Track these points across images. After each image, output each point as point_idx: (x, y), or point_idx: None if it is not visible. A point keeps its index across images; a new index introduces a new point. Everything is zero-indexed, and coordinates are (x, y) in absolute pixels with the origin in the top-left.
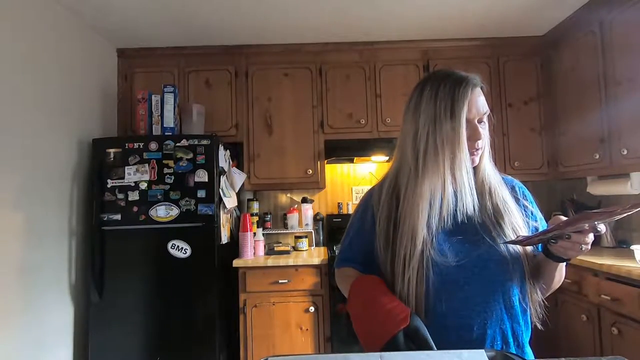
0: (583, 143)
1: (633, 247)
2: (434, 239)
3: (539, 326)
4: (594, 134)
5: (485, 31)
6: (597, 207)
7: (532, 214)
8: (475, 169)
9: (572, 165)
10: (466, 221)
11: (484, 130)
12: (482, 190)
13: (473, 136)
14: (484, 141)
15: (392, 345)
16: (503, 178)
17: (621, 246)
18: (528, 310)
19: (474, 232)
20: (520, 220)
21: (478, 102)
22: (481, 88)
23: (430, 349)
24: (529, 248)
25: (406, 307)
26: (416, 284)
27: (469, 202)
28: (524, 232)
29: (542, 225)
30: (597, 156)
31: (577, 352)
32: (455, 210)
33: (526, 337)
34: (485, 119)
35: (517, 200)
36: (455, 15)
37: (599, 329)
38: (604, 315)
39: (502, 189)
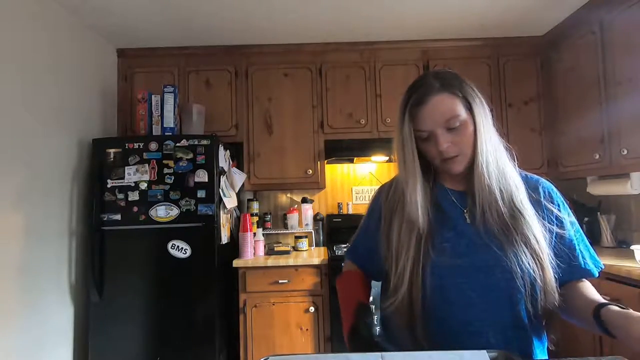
0: (583, 143)
1: (633, 247)
2: (433, 240)
3: (552, 347)
4: (594, 134)
5: (485, 31)
6: (597, 207)
7: (556, 218)
8: (472, 175)
9: (572, 165)
10: (470, 225)
11: (457, 135)
12: (489, 197)
13: (436, 146)
14: (460, 147)
15: (353, 339)
16: (529, 177)
17: (621, 246)
18: (540, 326)
19: (478, 236)
20: (535, 227)
21: (434, 111)
22: (456, 92)
23: (375, 343)
24: (549, 273)
25: (358, 304)
26: (413, 284)
27: (414, 212)
28: (537, 240)
29: (568, 230)
30: (597, 156)
31: (577, 352)
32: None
33: (540, 353)
34: (456, 124)
35: (538, 202)
36: (455, 15)
37: None
38: None
39: (518, 192)
